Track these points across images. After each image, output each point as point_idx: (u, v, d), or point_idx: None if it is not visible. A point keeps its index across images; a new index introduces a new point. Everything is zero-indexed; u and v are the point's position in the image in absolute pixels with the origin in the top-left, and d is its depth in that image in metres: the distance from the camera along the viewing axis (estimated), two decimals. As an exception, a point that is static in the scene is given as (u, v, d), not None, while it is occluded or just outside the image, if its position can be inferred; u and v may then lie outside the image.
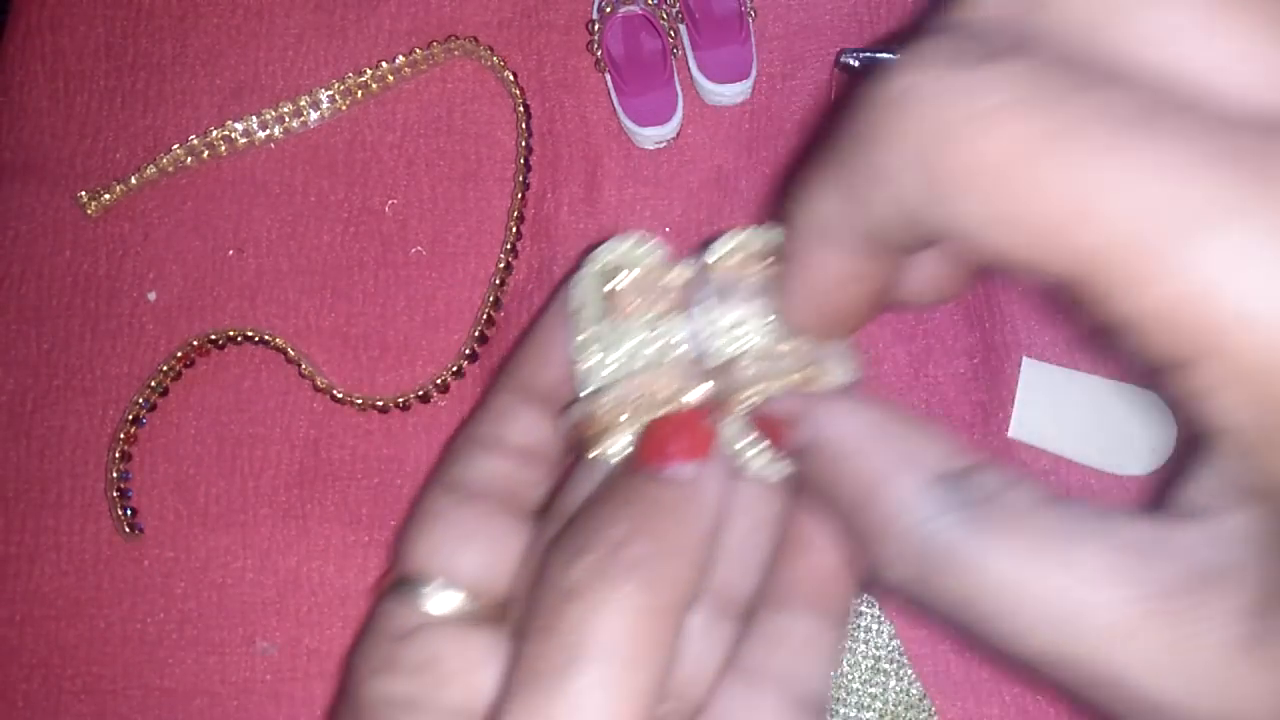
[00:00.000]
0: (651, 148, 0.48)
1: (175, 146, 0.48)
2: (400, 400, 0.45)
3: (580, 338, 0.29)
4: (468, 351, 0.46)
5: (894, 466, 0.24)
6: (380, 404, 0.45)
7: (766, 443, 0.28)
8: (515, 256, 0.47)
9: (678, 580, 0.25)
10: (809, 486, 0.27)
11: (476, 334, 0.46)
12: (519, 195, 0.47)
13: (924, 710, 0.43)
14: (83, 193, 0.48)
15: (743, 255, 0.29)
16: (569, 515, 0.29)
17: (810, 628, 0.28)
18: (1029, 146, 0.19)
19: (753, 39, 0.47)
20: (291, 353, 0.46)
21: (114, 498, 0.45)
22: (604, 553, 0.24)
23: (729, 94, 0.47)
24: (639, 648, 0.24)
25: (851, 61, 0.45)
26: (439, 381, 0.45)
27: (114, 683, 0.44)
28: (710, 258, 0.29)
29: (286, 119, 0.48)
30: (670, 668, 0.25)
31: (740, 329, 0.29)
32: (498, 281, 0.46)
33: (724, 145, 0.48)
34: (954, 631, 0.24)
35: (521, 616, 0.27)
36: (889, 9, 0.49)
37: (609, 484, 0.27)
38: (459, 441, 0.32)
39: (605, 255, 0.29)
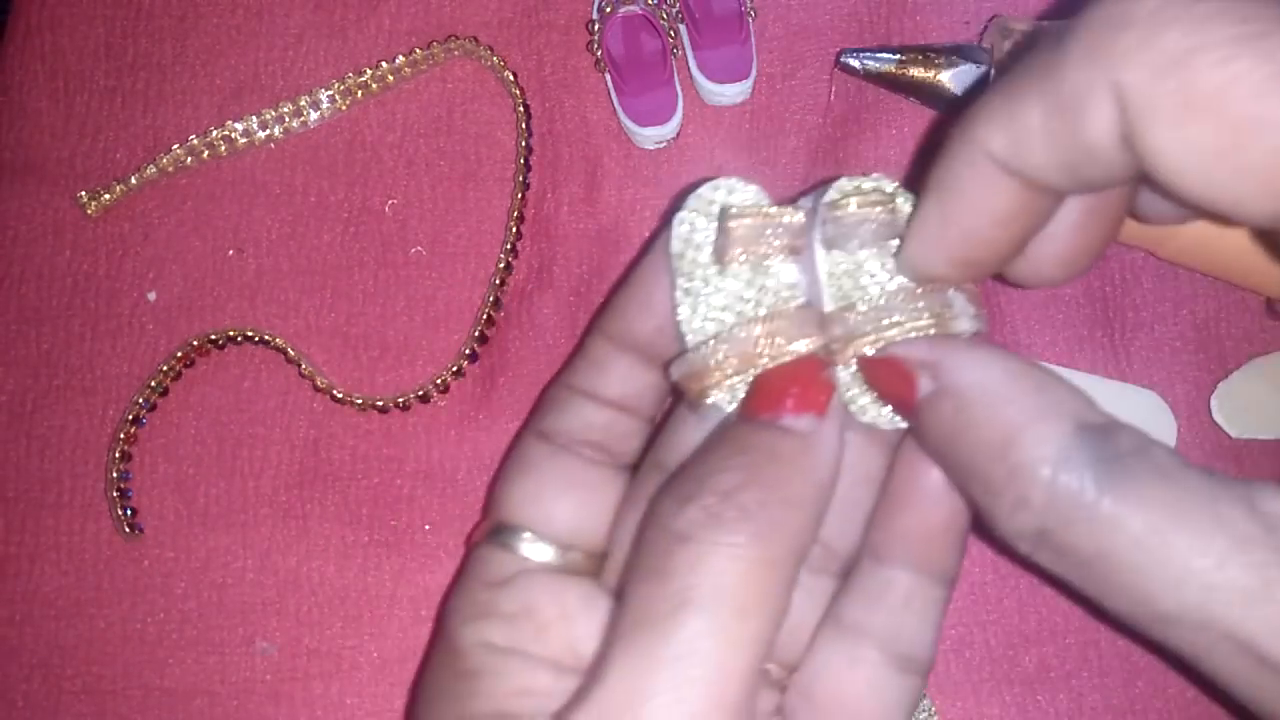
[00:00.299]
0: (651, 148, 0.48)
1: (175, 146, 0.48)
2: (400, 400, 0.45)
3: (685, 284, 0.28)
4: (468, 351, 0.46)
5: (1033, 415, 0.23)
6: (380, 404, 0.45)
7: (881, 390, 0.27)
8: (515, 256, 0.47)
9: (792, 531, 0.24)
10: (929, 435, 0.26)
11: (476, 334, 0.46)
12: (519, 195, 0.47)
13: (924, 710, 0.43)
14: (83, 193, 0.48)
15: (858, 200, 0.27)
16: (672, 467, 0.28)
17: (913, 584, 0.28)
18: (1269, 81, 0.18)
19: (753, 39, 0.47)
20: (291, 353, 0.46)
21: (114, 498, 0.45)
22: (717, 500, 0.24)
23: (729, 94, 0.47)
24: (750, 597, 0.23)
25: (852, 61, 0.45)
26: (439, 381, 0.45)
27: (114, 683, 0.44)
28: (831, 201, 0.27)
29: (286, 119, 0.48)
30: (781, 622, 0.24)
31: (858, 275, 0.27)
32: (498, 281, 0.46)
33: (724, 145, 0.48)
34: (1067, 588, 0.24)
35: (626, 564, 0.26)
36: (889, 9, 0.49)
37: (720, 433, 0.27)
38: (554, 389, 0.31)
39: (707, 196, 0.28)
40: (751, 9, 0.47)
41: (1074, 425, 0.23)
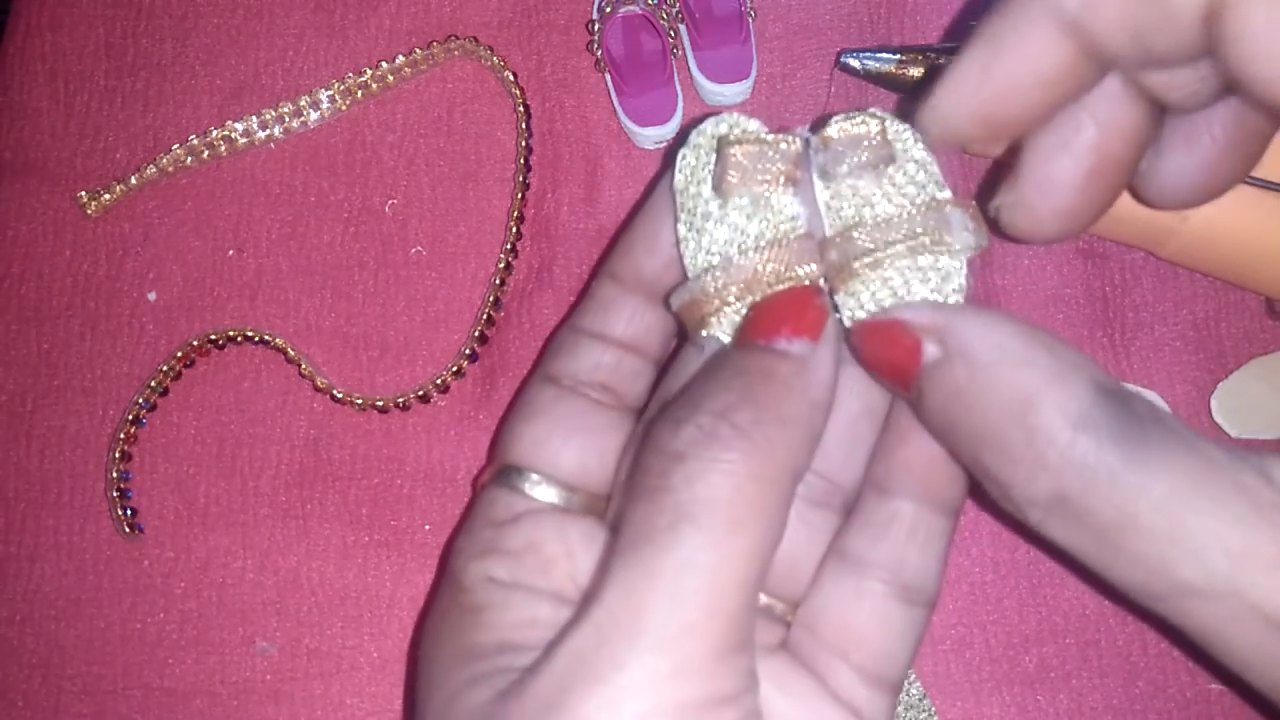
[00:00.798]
0: (651, 148, 0.48)
1: (175, 146, 0.48)
2: (400, 400, 0.45)
3: (688, 219, 0.28)
4: (468, 351, 0.46)
5: (1052, 376, 0.23)
6: (380, 404, 0.45)
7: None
8: (515, 256, 0.47)
9: (786, 449, 0.24)
10: (934, 404, 0.25)
11: (476, 334, 0.46)
12: (519, 195, 0.47)
13: (924, 710, 0.43)
14: (83, 193, 0.48)
15: (849, 125, 0.27)
16: (670, 397, 0.28)
17: (916, 514, 0.28)
18: None
19: (753, 39, 0.47)
20: (291, 353, 0.46)
21: (114, 498, 0.45)
22: (711, 419, 0.24)
23: (729, 94, 0.47)
24: (745, 511, 0.23)
25: (851, 61, 0.45)
26: (439, 381, 0.45)
27: (114, 683, 0.44)
28: (825, 130, 0.28)
29: (286, 119, 0.48)
30: (777, 541, 0.24)
31: (854, 200, 0.28)
32: (498, 281, 0.46)
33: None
34: (1074, 561, 0.23)
35: (626, 482, 0.26)
36: (889, 9, 0.49)
37: (717, 359, 0.27)
38: (562, 333, 0.31)
39: (710, 130, 0.28)
40: (751, 9, 0.47)
41: (1093, 387, 0.22)
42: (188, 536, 0.45)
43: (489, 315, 0.46)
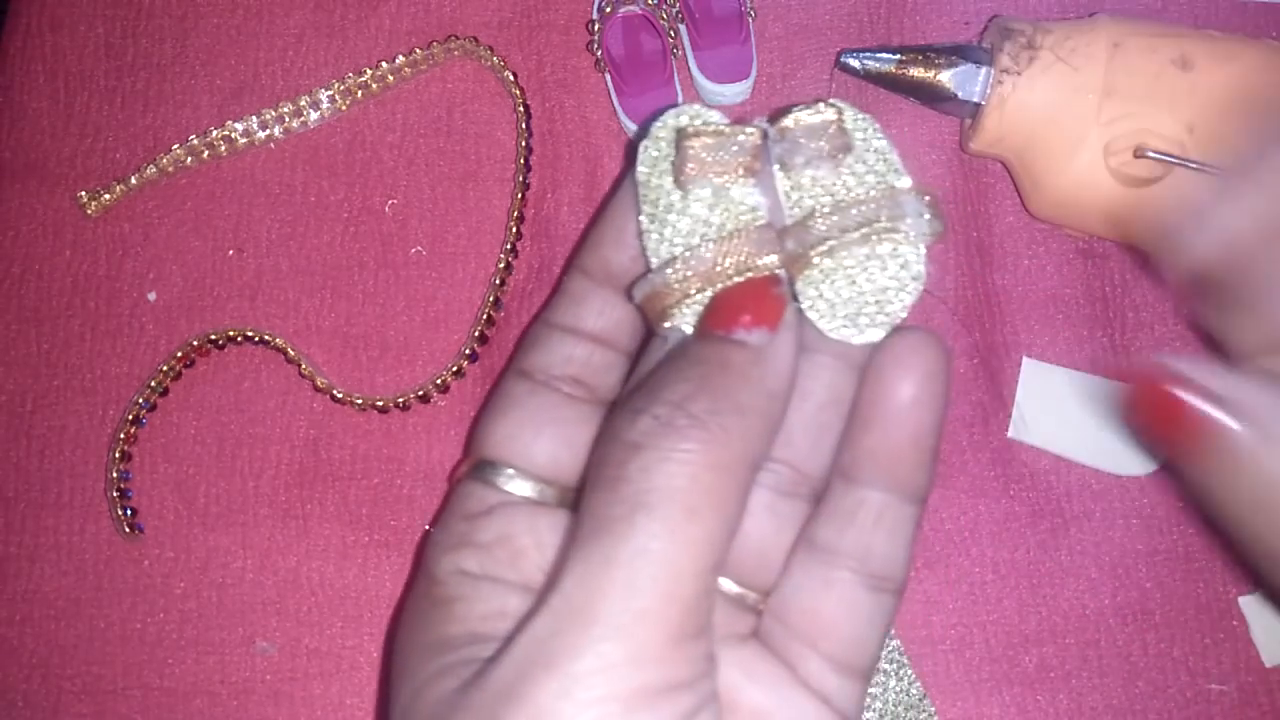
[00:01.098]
0: (651, 148, 0.48)
1: (175, 146, 0.48)
2: (400, 400, 0.45)
3: (650, 211, 0.28)
4: (468, 351, 0.46)
5: None
6: (380, 404, 0.45)
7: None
8: (515, 256, 0.47)
9: (743, 438, 0.24)
10: (1224, 480, 0.23)
11: (476, 334, 0.46)
12: (519, 195, 0.47)
13: (924, 710, 0.43)
14: (83, 193, 0.48)
15: (811, 119, 0.28)
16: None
17: (883, 502, 0.28)
18: None
19: (753, 39, 0.47)
20: (291, 353, 0.46)
21: (114, 498, 0.45)
22: (668, 409, 0.24)
23: (729, 94, 0.47)
24: (701, 500, 0.23)
25: (851, 61, 0.45)
26: (439, 381, 0.45)
27: (114, 683, 0.44)
28: (779, 121, 0.28)
29: (286, 119, 0.48)
30: (734, 530, 0.24)
31: (813, 189, 0.28)
32: (498, 281, 0.46)
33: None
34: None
35: (583, 478, 0.26)
36: (889, 9, 0.49)
37: (676, 349, 0.27)
38: (534, 327, 0.32)
39: (671, 122, 0.29)
40: (751, 9, 0.47)
41: None
42: (188, 536, 0.45)
43: (489, 315, 0.46)
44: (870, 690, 0.43)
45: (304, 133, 0.49)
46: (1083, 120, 0.41)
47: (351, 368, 0.47)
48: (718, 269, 0.27)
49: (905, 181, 0.28)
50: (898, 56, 0.45)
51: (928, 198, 0.28)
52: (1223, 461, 0.24)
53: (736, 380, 0.25)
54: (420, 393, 0.45)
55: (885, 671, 0.43)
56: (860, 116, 0.29)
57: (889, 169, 0.28)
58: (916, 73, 0.44)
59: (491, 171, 0.48)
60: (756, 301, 0.26)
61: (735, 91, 0.47)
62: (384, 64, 0.48)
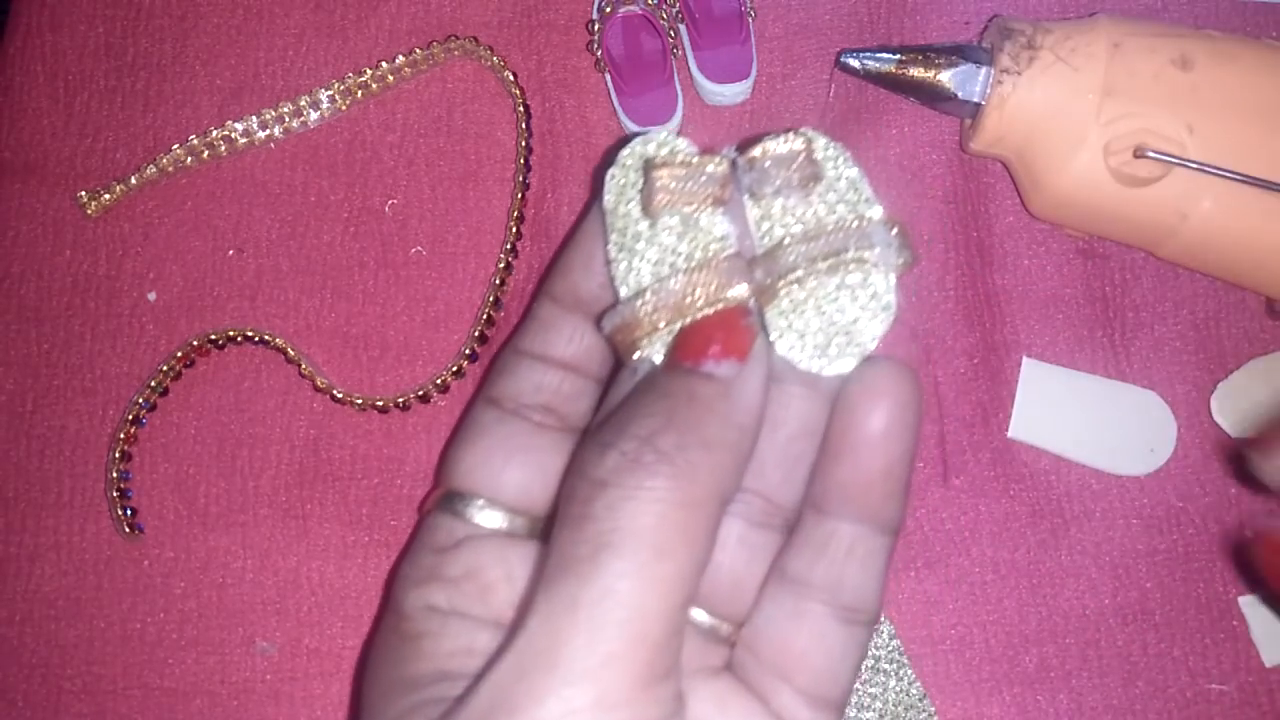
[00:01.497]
0: (651, 148, 0.48)
1: (175, 146, 0.48)
2: (400, 400, 0.45)
3: (618, 239, 0.28)
4: (468, 351, 0.46)
5: None
6: (380, 404, 0.45)
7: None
8: (515, 256, 0.47)
9: (711, 474, 0.24)
10: None
11: (476, 334, 0.46)
12: (519, 195, 0.47)
13: (924, 710, 0.43)
14: (83, 193, 0.48)
15: (781, 149, 0.28)
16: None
17: (855, 534, 0.28)
18: None
19: (753, 39, 0.47)
20: (291, 353, 0.46)
21: (114, 498, 0.45)
22: (635, 445, 0.24)
23: (729, 94, 0.47)
24: (669, 539, 0.23)
25: (851, 61, 0.45)
26: (439, 381, 0.45)
27: (114, 683, 0.44)
28: (748, 151, 0.28)
29: (286, 119, 0.48)
30: (703, 567, 0.24)
31: (783, 219, 0.28)
32: (498, 281, 0.46)
33: (724, 145, 0.48)
34: None
35: (554, 509, 0.26)
36: (889, 9, 0.49)
37: (644, 382, 0.27)
38: (503, 354, 0.31)
39: (638, 150, 0.28)
40: (751, 9, 0.47)
41: None
42: (188, 536, 0.45)
43: (489, 315, 0.46)
44: (870, 690, 0.43)
45: (304, 133, 0.49)
46: (1083, 120, 0.41)
47: (351, 368, 0.47)
48: (686, 300, 0.27)
49: (876, 211, 0.28)
50: (898, 56, 0.45)
51: (896, 228, 0.28)
52: None
53: (704, 414, 0.25)
54: (420, 393, 0.45)
55: (885, 671, 0.43)
56: (831, 145, 0.28)
57: (860, 198, 0.28)
58: (916, 73, 0.44)
59: (491, 171, 0.48)
60: (725, 333, 0.26)
61: (735, 91, 0.47)
62: (384, 64, 0.48)
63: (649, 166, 0.28)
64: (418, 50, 0.48)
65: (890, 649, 0.43)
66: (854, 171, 0.28)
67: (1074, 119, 0.42)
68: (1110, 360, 0.45)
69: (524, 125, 0.47)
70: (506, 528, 0.29)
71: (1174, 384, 0.45)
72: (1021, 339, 0.45)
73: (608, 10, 0.46)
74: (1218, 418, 0.44)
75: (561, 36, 0.49)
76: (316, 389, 0.45)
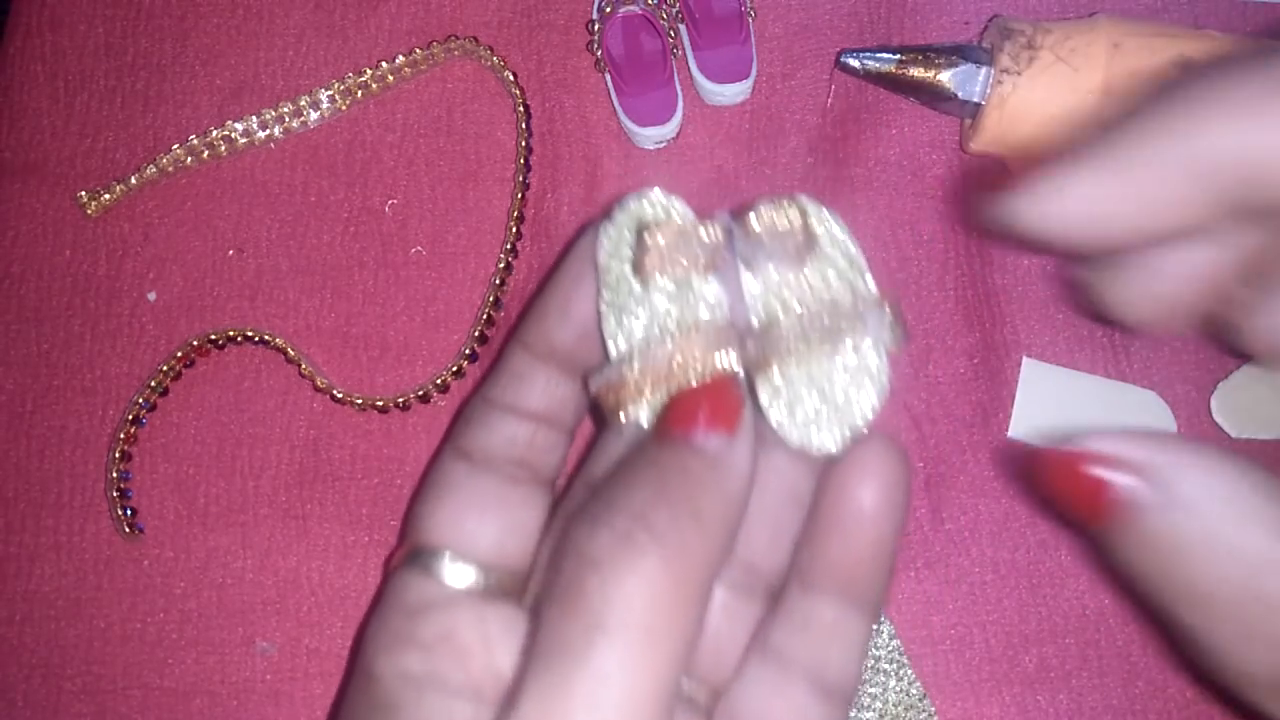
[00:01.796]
0: (651, 148, 0.48)
1: (175, 146, 0.48)
2: (400, 400, 0.45)
3: (610, 297, 0.28)
4: (468, 351, 0.46)
5: None
6: (380, 404, 0.45)
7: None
8: (515, 256, 0.47)
9: (704, 552, 0.24)
10: (1133, 548, 0.23)
11: (476, 334, 0.46)
12: (519, 195, 0.47)
13: (924, 710, 0.43)
14: (83, 193, 0.48)
15: (778, 219, 0.27)
16: (593, 484, 0.28)
17: (840, 613, 0.27)
18: None
19: (753, 39, 0.47)
20: (291, 353, 0.46)
21: (114, 498, 0.45)
22: (627, 522, 0.24)
23: (729, 94, 0.47)
24: (662, 621, 0.23)
25: (851, 61, 0.45)
26: (439, 381, 0.45)
27: (114, 683, 0.44)
28: (748, 219, 0.28)
29: (286, 119, 0.48)
30: (695, 642, 0.24)
31: (779, 291, 0.28)
32: (498, 281, 0.46)
33: (724, 145, 0.48)
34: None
35: (541, 588, 0.26)
36: (889, 9, 0.49)
37: (634, 452, 0.26)
38: (473, 404, 0.30)
39: (633, 209, 0.28)
40: (751, 9, 0.47)
41: None
42: (188, 536, 0.45)
43: (489, 315, 0.46)
44: (870, 690, 0.43)
45: (304, 133, 0.49)
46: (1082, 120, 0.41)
47: (351, 368, 0.47)
48: (676, 366, 0.27)
49: (870, 283, 0.28)
50: (898, 56, 0.45)
51: (890, 306, 0.27)
52: (1120, 523, 0.23)
53: (696, 488, 0.24)
54: (420, 393, 0.45)
55: (885, 671, 0.43)
56: (827, 215, 0.28)
57: (854, 270, 0.28)
58: (916, 73, 0.44)
59: (491, 171, 0.48)
60: (715, 403, 0.26)
61: (735, 91, 0.47)
62: (384, 64, 0.48)
63: (643, 228, 0.27)
64: (418, 50, 0.48)
65: (890, 649, 0.43)
66: (848, 243, 0.28)
67: (1074, 119, 0.42)
68: (1110, 360, 0.45)
69: (524, 125, 0.47)
70: (481, 586, 0.28)
71: (1174, 384, 0.45)
72: (1021, 339, 0.45)
73: (608, 10, 0.46)
74: (1218, 418, 0.44)
75: (561, 36, 0.49)
76: (316, 389, 0.45)
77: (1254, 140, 0.21)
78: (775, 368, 0.27)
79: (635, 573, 0.23)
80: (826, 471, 0.28)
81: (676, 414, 0.26)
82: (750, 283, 0.28)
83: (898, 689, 0.43)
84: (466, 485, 0.29)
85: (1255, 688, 0.21)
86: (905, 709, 0.43)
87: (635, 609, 0.23)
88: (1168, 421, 0.44)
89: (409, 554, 0.29)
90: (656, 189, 0.28)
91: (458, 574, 0.28)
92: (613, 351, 0.28)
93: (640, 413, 0.27)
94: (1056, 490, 0.24)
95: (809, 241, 0.28)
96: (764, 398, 0.27)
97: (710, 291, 0.28)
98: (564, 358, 0.29)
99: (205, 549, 0.45)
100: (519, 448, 0.29)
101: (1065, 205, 0.25)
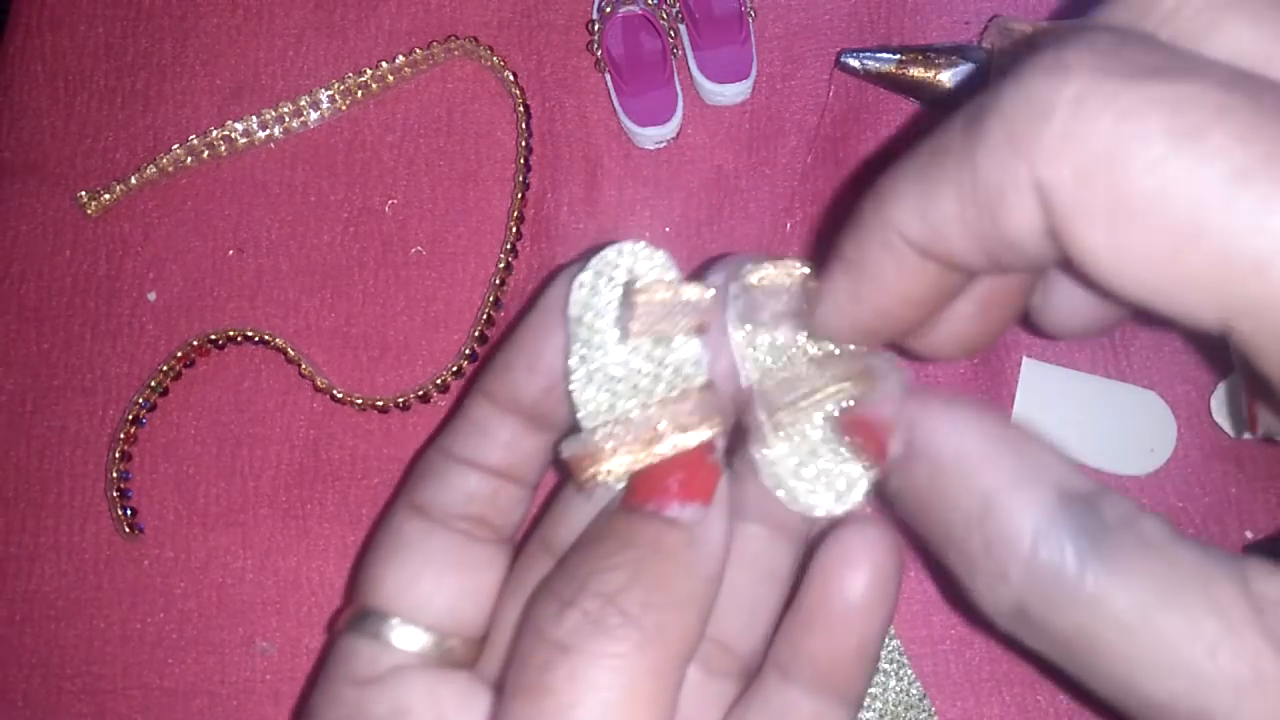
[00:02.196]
0: (651, 148, 0.48)
1: (175, 146, 0.48)
2: (400, 400, 0.45)
3: (582, 351, 0.26)
4: (468, 351, 0.46)
5: (1013, 482, 0.22)
6: (380, 404, 0.45)
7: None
8: (515, 256, 0.47)
9: (678, 634, 0.23)
10: (901, 498, 0.24)
11: (476, 334, 0.46)
12: (519, 195, 0.47)
13: (924, 710, 0.43)
14: (83, 193, 0.48)
15: (770, 274, 0.26)
16: (560, 548, 0.26)
17: (820, 707, 0.26)
18: (1210, 186, 0.17)
19: (753, 39, 0.47)
20: (291, 353, 0.46)
21: (114, 498, 0.45)
22: (598, 604, 0.22)
23: (729, 94, 0.47)
24: (636, 710, 0.22)
25: (851, 61, 0.45)
26: (439, 381, 0.45)
27: (114, 683, 0.44)
28: (746, 275, 0.26)
29: (286, 119, 0.48)
30: None
31: (772, 350, 0.26)
32: (498, 281, 0.46)
33: (724, 145, 0.48)
34: (1047, 666, 0.22)
35: (506, 668, 0.24)
36: (889, 9, 0.49)
37: (603, 522, 0.25)
38: (431, 455, 0.28)
39: (612, 260, 0.26)
40: (751, 9, 0.47)
41: (1056, 494, 0.21)
42: (188, 536, 0.45)
43: (489, 315, 0.46)
44: (870, 690, 0.43)
45: (304, 133, 0.49)
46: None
47: (351, 368, 0.47)
48: (652, 433, 0.25)
49: (868, 350, 0.27)
50: (898, 56, 0.45)
51: (889, 357, 0.26)
52: (890, 475, 0.24)
53: (670, 567, 0.23)
54: (420, 393, 0.45)
55: (885, 671, 0.43)
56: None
57: None
58: (916, 73, 0.44)
59: (491, 171, 0.48)
60: (689, 473, 0.24)
61: (735, 91, 0.47)
62: (384, 64, 0.48)
63: (630, 289, 0.26)
64: (418, 50, 0.48)
65: (890, 649, 0.43)
66: None
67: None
68: (1110, 360, 0.45)
69: (524, 125, 0.47)
70: (435, 654, 0.26)
71: (1174, 384, 0.45)
72: (1021, 339, 0.45)
73: (608, 10, 0.46)
74: (1218, 418, 0.44)
75: (561, 36, 0.49)
76: (316, 389, 0.45)
77: (926, 212, 0.21)
78: (772, 428, 0.26)
79: (606, 662, 0.22)
80: (812, 555, 0.26)
81: (650, 484, 0.25)
82: (743, 341, 0.26)
83: (898, 689, 0.43)
84: (422, 544, 0.27)
85: (998, 616, 0.22)
86: (905, 709, 0.43)
87: (608, 701, 0.21)
88: (1168, 421, 0.44)
89: (357, 616, 0.27)
90: (642, 242, 0.26)
91: (410, 640, 0.26)
92: (582, 411, 0.26)
93: (612, 480, 0.25)
94: (856, 448, 0.25)
95: (806, 301, 0.26)
96: (760, 459, 0.26)
97: (691, 350, 0.26)
98: (529, 411, 0.27)
99: (205, 549, 0.45)
100: (478, 505, 0.28)
101: (845, 319, 0.25)
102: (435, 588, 0.27)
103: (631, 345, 0.26)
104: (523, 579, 0.28)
